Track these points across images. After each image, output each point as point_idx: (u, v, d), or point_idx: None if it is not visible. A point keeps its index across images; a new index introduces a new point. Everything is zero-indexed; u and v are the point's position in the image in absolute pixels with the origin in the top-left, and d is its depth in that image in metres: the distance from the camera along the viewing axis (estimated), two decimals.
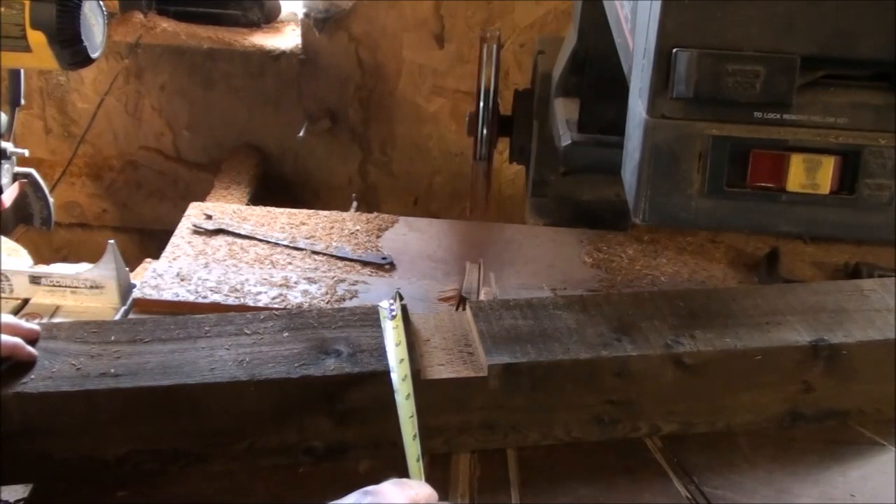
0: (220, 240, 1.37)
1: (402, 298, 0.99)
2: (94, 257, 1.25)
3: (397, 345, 0.92)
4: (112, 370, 0.89)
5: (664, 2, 0.78)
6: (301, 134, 2.50)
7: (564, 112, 1.45)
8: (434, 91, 2.51)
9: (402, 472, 0.94)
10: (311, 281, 1.26)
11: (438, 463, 0.95)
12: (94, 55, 1.64)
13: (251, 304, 1.21)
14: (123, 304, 1.22)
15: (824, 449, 1.01)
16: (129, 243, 2.68)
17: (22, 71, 1.86)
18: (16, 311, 1.22)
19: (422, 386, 0.91)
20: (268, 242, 1.37)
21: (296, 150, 2.60)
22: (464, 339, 0.98)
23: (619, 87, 0.95)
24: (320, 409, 0.91)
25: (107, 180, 2.70)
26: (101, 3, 1.66)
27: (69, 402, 0.87)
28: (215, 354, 0.92)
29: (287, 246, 1.36)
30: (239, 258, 1.32)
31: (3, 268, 1.25)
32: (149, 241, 2.61)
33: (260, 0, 2.52)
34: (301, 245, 1.36)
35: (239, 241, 1.37)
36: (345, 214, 1.48)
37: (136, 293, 1.22)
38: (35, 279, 1.23)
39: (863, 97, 0.80)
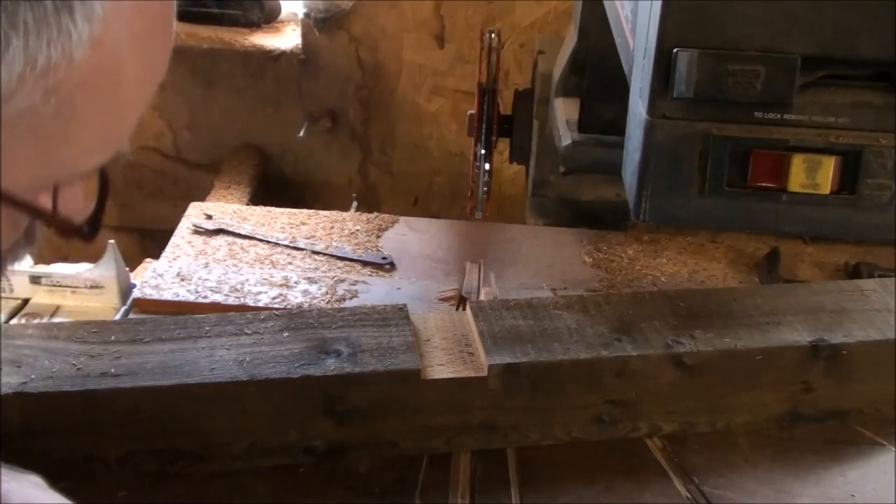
0: (221, 240, 1.37)
1: None
2: (94, 257, 1.25)
3: None
4: (112, 370, 0.89)
5: (664, 2, 0.78)
6: (301, 134, 2.50)
7: (564, 112, 1.45)
8: (434, 91, 2.51)
9: (403, 471, 0.94)
10: (311, 281, 1.26)
11: (438, 463, 0.95)
12: None
13: (251, 304, 1.21)
14: (123, 304, 1.22)
15: (824, 449, 1.01)
16: (129, 243, 2.68)
17: None
18: (16, 312, 1.22)
19: (422, 386, 0.92)
20: (268, 242, 1.37)
21: (296, 150, 2.60)
22: (464, 339, 0.98)
23: (619, 87, 0.95)
24: (320, 409, 0.91)
25: None
26: None
27: (69, 402, 0.87)
28: (215, 354, 0.91)
29: (287, 246, 1.36)
30: (239, 258, 1.32)
31: None
32: (149, 241, 2.61)
33: (260, 0, 2.52)
34: (301, 245, 1.36)
35: (239, 241, 1.37)
36: (345, 214, 1.48)
37: (136, 293, 1.22)
38: (35, 279, 1.23)
39: (863, 97, 0.80)
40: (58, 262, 1.32)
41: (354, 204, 2.30)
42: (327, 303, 1.22)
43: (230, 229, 1.39)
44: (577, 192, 1.56)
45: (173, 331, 0.95)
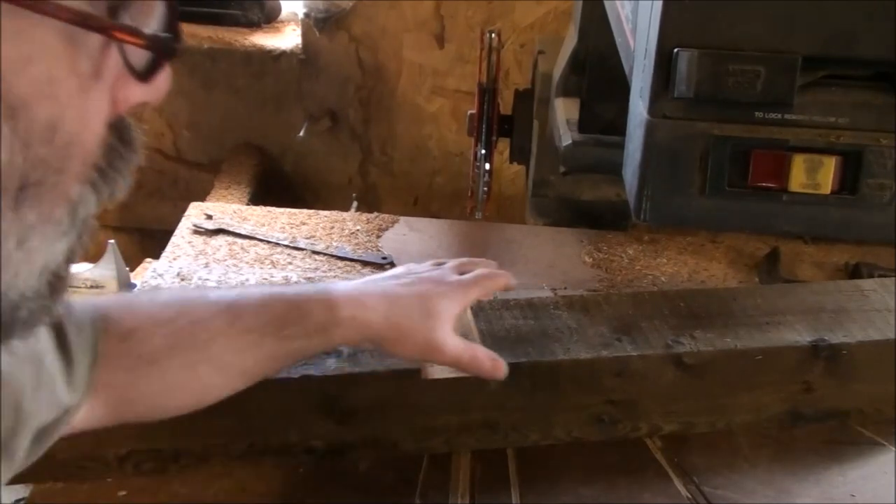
0: (221, 240, 1.37)
1: None
2: (94, 257, 1.25)
3: None
4: None
5: (665, 2, 0.78)
6: (301, 134, 2.50)
7: (564, 112, 1.45)
8: (434, 91, 2.50)
9: (403, 471, 0.94)
10: (311, 281, 1.26)
11: (438, 463, 0.95)
12: None
13: None
14: None
15: (824, 449, 1.01)
16: (129, 243, 2.68)
17: None
18: None
19: (422, 386, 0.91)
20: (268, 242, 1.37)
21: (296, 150, 2.60)
22: (464, 338, 0.98)
23: (619, 87, 0.95)
24: (320, 409, 0.91)
25: None
26: None
27: None
28: None
29: (287, 246, 1.36)
30: (239, 258, 1.32)
31: None
32: (149, 241, 2.61)
33: (260, 0, 2.52)
34: (301, 245, 1.36)
35: (239, 241, 1.37)
36: (345, 214, 1.48)
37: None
38: None
39: (864, 97, 0.80)
40: None
41: (354, 204, 2.30)
42: None
43: (230, 229, 1.39)
44: (577, 192, 1.56)
45: None
